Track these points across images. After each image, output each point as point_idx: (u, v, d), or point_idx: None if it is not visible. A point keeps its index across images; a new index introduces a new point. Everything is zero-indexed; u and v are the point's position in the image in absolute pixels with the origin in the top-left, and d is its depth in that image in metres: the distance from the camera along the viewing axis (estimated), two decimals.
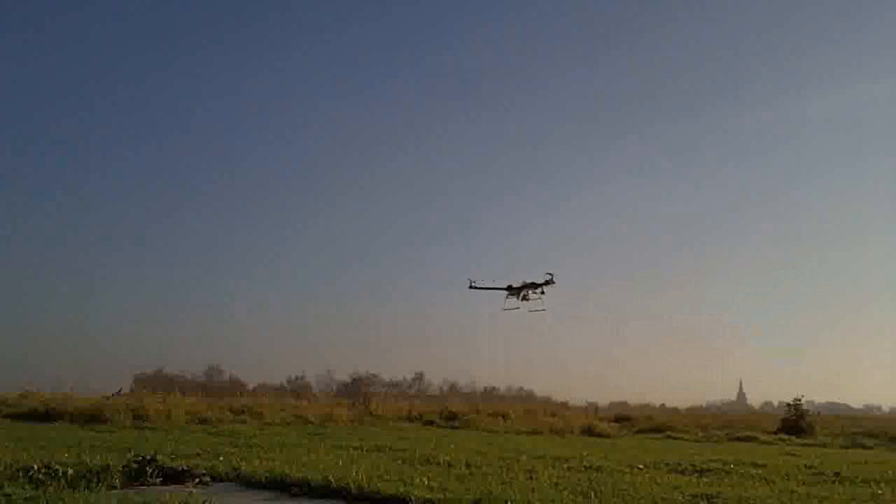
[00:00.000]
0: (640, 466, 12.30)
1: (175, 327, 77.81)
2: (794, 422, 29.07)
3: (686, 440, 25.11)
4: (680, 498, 8.69)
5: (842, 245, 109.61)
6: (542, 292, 19.57)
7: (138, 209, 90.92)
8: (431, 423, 28.17)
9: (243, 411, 25.95)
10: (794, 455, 17.33)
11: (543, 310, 18.98)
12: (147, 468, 9.23)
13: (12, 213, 79.55)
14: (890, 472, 12.47)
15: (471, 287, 18.99)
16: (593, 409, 38.46)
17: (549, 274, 18.75)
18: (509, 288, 19.37)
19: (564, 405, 40.69)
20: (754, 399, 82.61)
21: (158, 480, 9.11)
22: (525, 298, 19.44)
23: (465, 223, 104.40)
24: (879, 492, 9.87)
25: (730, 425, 30.71)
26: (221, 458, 11.31)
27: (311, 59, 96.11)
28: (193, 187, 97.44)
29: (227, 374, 59.69)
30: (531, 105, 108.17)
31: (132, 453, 10.26)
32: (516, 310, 19.55)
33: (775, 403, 53.01)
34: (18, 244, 77.24)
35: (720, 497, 8.84)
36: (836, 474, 11.99)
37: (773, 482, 10.81)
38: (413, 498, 8.02)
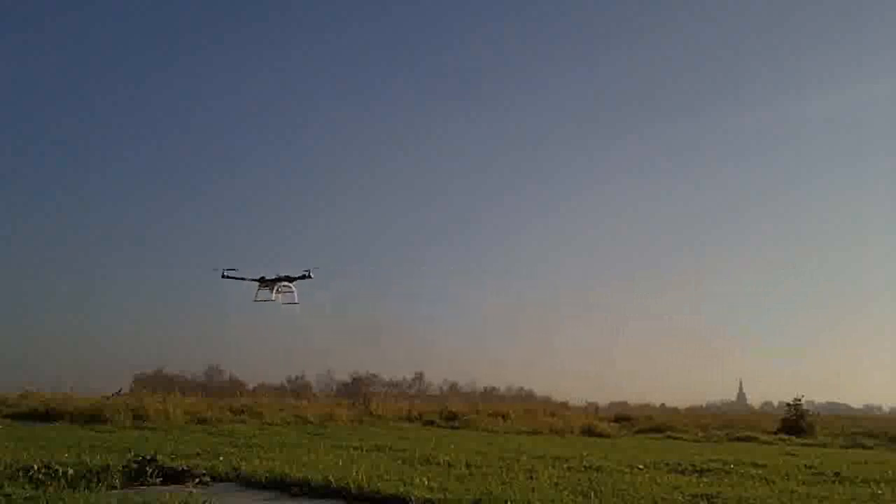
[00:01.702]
0: (640, 466, 12.29)
1: (175, 327, 77.68)
2: (794, 422, 29.04)
3: (686, 440, 25.10)
4: (680, 498, 8.69)
5: (842, 245, 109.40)
6: (294, 287, 19.89)
7: (138, 209, 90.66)
8: (431, 423, 28.17)
9: (243, 411, 25.93)
10: (794, 455, 17.33)
11: (297, 303, 19.31)
12: (147, 468, 9.23)
13: (12, 213, 79.45)
14: (890, 472, 12.47)
15: (223, 276, 19.20)
16: (593, 409, 38.45)
17: (307, 270, 19.12)
18: (262, 280, 19.67)
19: (564, 405, 40.68)
20: (754, 399, 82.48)
21: (158, 480, 9.11)
22: (279, 291, 19.79)
23: (465, 223, 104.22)
24: (879, 492, 9.87)
25: (730, 425, 30.68)
26: (221, 458, 11.31)
27: (311, 59, 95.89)
28: (193, 187, 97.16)
29: (227, 374, 59.55)
30: (531, 105, 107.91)
31: (132, 453, 10.26)
32: (269, 301, 19.77)
33: (775, 403, 52.94)
34: (18, 244, 77.10)
35: (720, 497, 8.83)
36: (836, 474, 11.98)
37: (773, 482, 10.81)
38: (413, 498, 8.02)
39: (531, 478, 10.21)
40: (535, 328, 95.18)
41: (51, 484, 8.12)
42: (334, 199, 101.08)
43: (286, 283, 19.77)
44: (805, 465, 13.40)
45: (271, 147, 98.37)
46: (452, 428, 26.72)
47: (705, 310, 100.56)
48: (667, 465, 12.78)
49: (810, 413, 30.14)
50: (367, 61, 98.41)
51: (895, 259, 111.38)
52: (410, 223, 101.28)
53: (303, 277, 19.39)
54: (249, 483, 9.46)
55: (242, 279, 19.44)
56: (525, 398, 54.85)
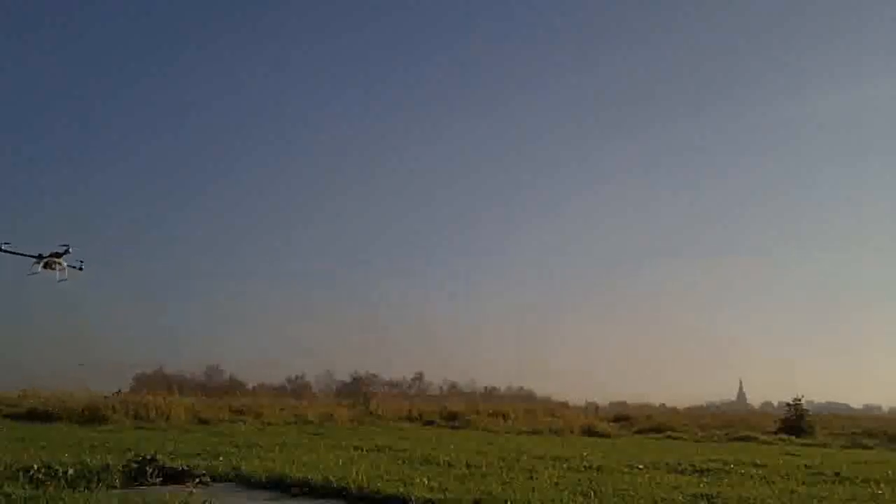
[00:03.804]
0: (640, 466, 12.29)
1: (175, 327, 77.62)
2: (794, 422, 29.00)
3: (686, 440, 25.09)
4: (680, 498, 8.69)
5: (842, 245, 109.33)
6: (63, 263, 20.82)
7: (138, 209, 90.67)
8: (431, 423, 28.16)
9: (243, 411, 25.96)
10: (794, 455, 17.31)
11: (66, 279, 20.17)
12: (147, 468, 9.22)
13: (12, 213, 79.46)
14: (890, 472, 12.46)
15: (1, 250, 19.98)
16: (593, 409, 38.46)
17: (65, 245, 19.87)
18: (39, 256, 20.46)
19: (564, 405, 40.70)
20: (754, 399, 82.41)
21: (158, 480, 9.11)
22: (49, 267, 20.53)
23: (465, 223, 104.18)
24: (879, 492, 9.87)
25: (730, 425, 30.65)
26: (221, 458, 11.31)
27: (311, 59, 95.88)
28: (193, 187, 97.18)
29: (227, 374, 59.53)
30: (531, 105, 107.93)
31: (132, 453, 10.26)
32: (35, 275, 20.57)
33: (775, 403, 52.82)
34: (18, 243, 76.90)
35: (720, 497, 8.83)
36: (836, 474, 11.97)
37: (773, 482, 10.80)
38: (413, 498, 8.02)
39: (531, 478, 10.21)
40: (535, 328, 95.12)
41: (51, 484, 8.11)
42: (334, 199, 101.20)
43: (56, 259, 20.63)
44: (805, 465, 13.40)
45: (271, 147, 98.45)
46: (452, 428, 26.71)
47: (705, 310, 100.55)
48: (667, 465, 12.78)
49: (810, 413, 30.12)
50: (367, 61, 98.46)
51: (895, 259, 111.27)
52: (410, 223, 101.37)
53: (66, 253, 20.18)
54: (249, 483, 9.46)
55: (21, 255, 20.34)
56: (525, 398, 54.83)
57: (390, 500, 8.19)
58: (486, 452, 14.23)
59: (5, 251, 19.80)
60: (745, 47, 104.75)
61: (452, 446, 15.76)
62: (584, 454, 14.51)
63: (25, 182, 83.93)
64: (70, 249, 19.63)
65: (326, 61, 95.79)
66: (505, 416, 29.71)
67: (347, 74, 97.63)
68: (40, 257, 20.49)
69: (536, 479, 10.10)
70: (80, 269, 19.96)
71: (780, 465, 13.47)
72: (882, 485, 10.59)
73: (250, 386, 50.05)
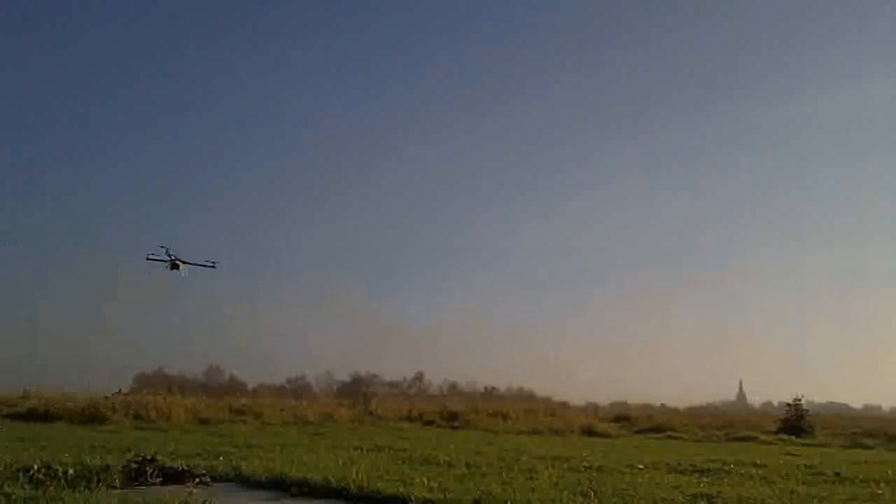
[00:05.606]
0: (640, 466, 12.29)
1: (175, 327, 77.59)
2: (794, 422, 28.99)
3: (686, 440, 25.09)
4: (680, 498, 8.69)
5: (842, 245, 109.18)
6: (190, 264, 24.27)
7: (138, 209, 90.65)
8: (431, 423, 28.18)
9: (243, 411, 26.00)
10: (794, 455, 17.31)
11: (185, 276, 24.19)
12: (147, 468, 9.23)
13: (12, 213, 79.44)
14: (890, 472, 12.47)
15: (147, 259, 23.60)
16: (593, 409, 38.48)
17: (164, 247, 23.83)
18: (170, 259, 24.06)
19: (564, 405, 40.67)
20: (754, 399, 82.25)
21: (158, 480, 9.11)
22: (175, 268, 24.06)
23: (465, 223, 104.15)
24: (879, 492, 9.87)
25: (729, 425, 30.63)
26: (221, 458, 11.32)
27: (311, 59, 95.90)
28: (193, 187, 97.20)
29: (227, 374, 59.51)
30: (531, 105, 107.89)
31: (132, 453, 10.26)
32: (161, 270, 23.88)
33: (775, 403, 52.76)
34: (18, 243, 77.11)
35: (720, 497, 8.84)
36: (836, 474, 11.97)
37: (773, 482, 10.81)
38: (413, 498, 8.02)
39: (531, 478, 10.21)
40: (534, 328, 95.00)
41: (51, 484, 8.11)
42: (334, 199, 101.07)
43: (181, 261, 24.00)
44: (805, 465, 13.40)
45: (271, 147, 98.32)
46: (452, 428, 26.72)
47: (706, 310, 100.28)
48: (667, 465, 12.78)
49: (810, 413, 30.10)
50: (367, 61, 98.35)
51: (895, 259, 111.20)
52: (411, 223, 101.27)
53: (172, 261, 24.15)
54: (249, 483, 9.47)
55: (160, 260, 24.01)
56: (525, 398, 54.67)
57: (390, 500, 8.19)
58: (485, 452, 14.23)
59: (151, 259, 23.71)
60: (745, 47, 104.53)
61: (452, 446, 15.77)
62: (584, 454, 14.51)
63: (25, 182, 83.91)
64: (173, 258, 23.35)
65: (326, 61, 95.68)
66: (505, 416, 29.71)
67: (347, 74, 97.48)
68: (170, 261, 24.53)
69: (536, 479, 10.10)
70: (214, 266, 24.00)
71: (780, 465, 13.47)
72: (882, 485, 10.59)
73: (250, 386, 50.02)
